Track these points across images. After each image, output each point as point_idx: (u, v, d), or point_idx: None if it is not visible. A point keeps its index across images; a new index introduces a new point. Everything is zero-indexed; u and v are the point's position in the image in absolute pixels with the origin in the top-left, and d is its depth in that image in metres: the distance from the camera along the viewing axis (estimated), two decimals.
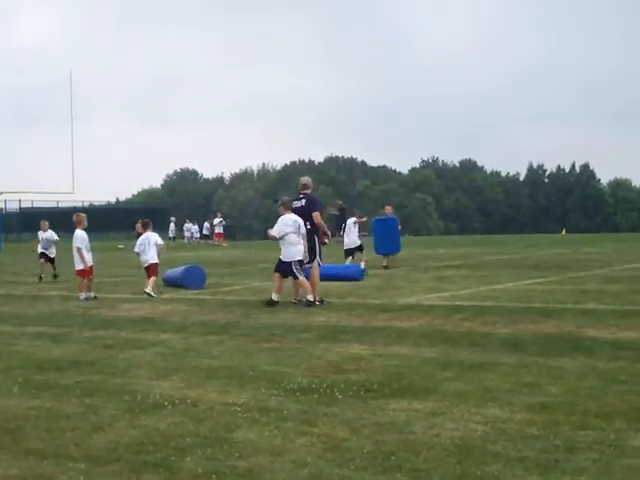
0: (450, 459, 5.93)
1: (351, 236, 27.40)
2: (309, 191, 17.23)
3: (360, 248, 27.37)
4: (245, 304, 16.79)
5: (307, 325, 13.40)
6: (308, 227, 16.78)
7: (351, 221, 27.68)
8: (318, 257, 16.92)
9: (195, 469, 5.88)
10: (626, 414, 7.01)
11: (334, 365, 9.73)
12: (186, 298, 18.53)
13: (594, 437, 6.37)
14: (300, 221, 16.59)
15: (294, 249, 16.59)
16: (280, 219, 16.85)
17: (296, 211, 16.92)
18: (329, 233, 17.99)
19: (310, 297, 16.22)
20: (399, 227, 28.92)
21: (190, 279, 21.16)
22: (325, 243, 17.65)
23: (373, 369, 9.41)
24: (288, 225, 16.66)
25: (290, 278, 16.73)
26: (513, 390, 8.09)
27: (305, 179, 17.57)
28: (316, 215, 16.87)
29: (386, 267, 26.91)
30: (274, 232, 16.86)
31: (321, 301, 16.31)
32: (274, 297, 16.53)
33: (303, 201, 17.04)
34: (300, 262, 16.60)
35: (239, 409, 7.58)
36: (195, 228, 68.77)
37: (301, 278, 16.54)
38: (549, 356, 9.92)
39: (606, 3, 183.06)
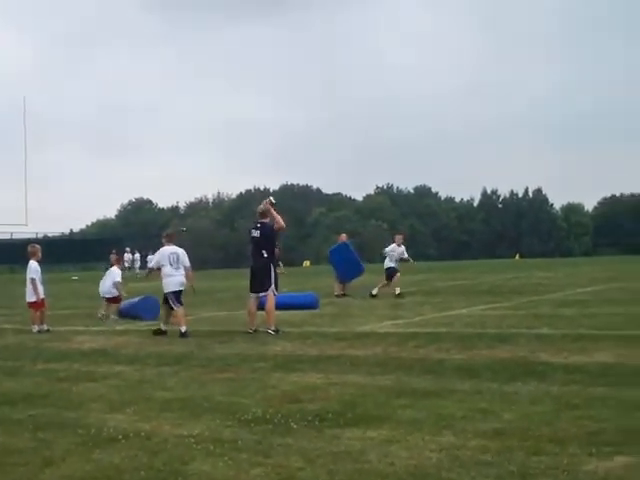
0: None
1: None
2: (267, 220, 17.17)
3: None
4: (199, 335, 16.71)
5: (262, 355, 13.37)
6: (265, 255, 16.78)
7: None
8: (273, 286, 16.89)
9: None
10: (579, 439, 7.05)
11: (289, 395, 9.70)
12: (140, 330, 18.41)
13: (548, 462, 6.40)
14: (180, 252, 17.28)
15: (169, 280, 17.10)
16: (159, 251, 17.46)
17: (253, 240, 16.92)
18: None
19: (183, 328, 16.56)
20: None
21: (145, 310, 21.04)
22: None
23: (328, 398, 9.40)
24: (164, 257, 17.20)
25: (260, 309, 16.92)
26: (467, 417, 8.11)
27: (261, 207, 17.53)
28: (278, 220, 17.00)
29: (345, 295, 27.03)
30: (152, 264, 17.82)
31: (277, 330, 16.28)
32: (162, 327, 17.13)
33: (260, 230, 16.98)
34: (175, 293, 17.05)
35: (193, 441, 7.54)
36: (136, 257, 68.72)
37: (176, 309, 16.95)
38: (503, 382, 9.97)
39: (553, 23, 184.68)
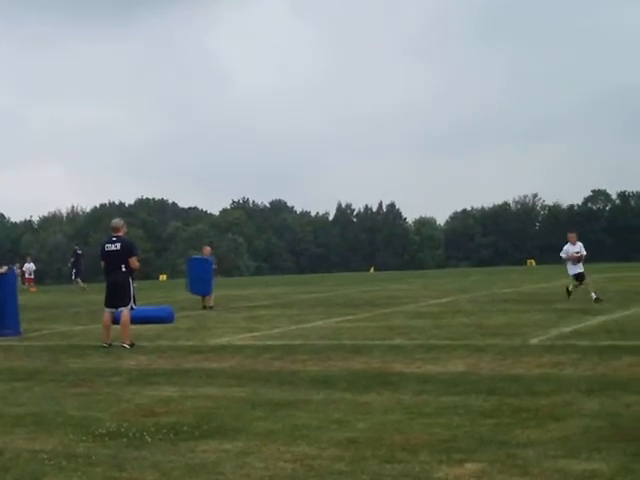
0: None
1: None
2: (121, 234, 16.98)
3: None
4: (53, 349, 16.43)
5: (117, 369, 13.23)
6: (123, 270, 16.61)
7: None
8: (132, 301, 16.72)
9: None
10: (431, 446, 7.20)
11: (144, 408, 9.64)
12: None
13: (400, 470, 6.52)
14: None
15: None
16: None
17: (110, 254, 16.74)
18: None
19: None
20: (214, 267, 28.79)
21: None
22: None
23: (183, 411, 9.37)
24: None
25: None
26: (322, 427, 8.20)
27: (116, 221, 17.33)
28: (133, 261, 16.66)
29: (205, 307, 26.87)
30: None
31: (132, 344, 16.12)
32: None
33: (118, 245, 16.79)
34: None
35: (46, 456, 7.41)
36: None
37: None
38: (357, 392, 10.10)
39: (424, 31, 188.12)
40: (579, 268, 24.25)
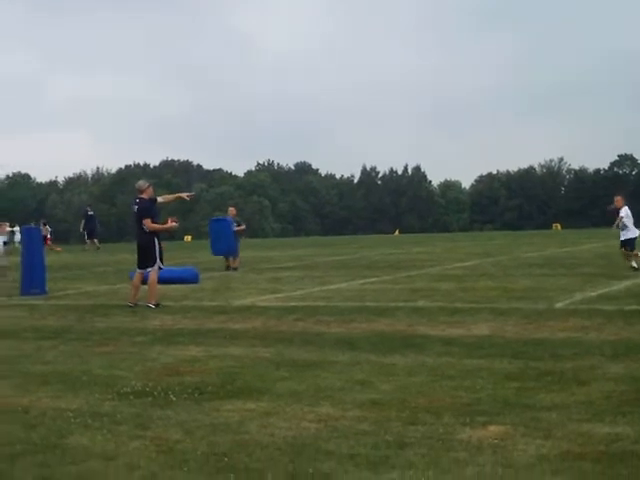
0: (283, 458, 5.99)
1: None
2: (145, 195, 16.97)
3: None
4: (78, 309, 16.54)
5: (142, 328, 13.30)
6: (146, 231, 16.65)
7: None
8: (158, 261, 16.72)
9: (25, 476, 5.78)
10: (454, 409, 7.21)
11: (169, 368, 9.69)
12: (18, 304, 18.12)
13: (423, 432, 6.53)
14: None
15: None
16: None
17: (134, 216, 16.82)
18: (172, 226, 17.73)
19: None
20: (237, 229, 28.55)
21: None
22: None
23: (208, 371, 9.42)
24: None
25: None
26: (345, 388, 8.22)
27: (140, 183, 17.31)
28: (146, 222, 16.61)
29: (233, 268, 26.84)
30: None
31: (157, 305, 16.18)
32: None
33: (136, 207, 16.86)
34: None
35: (72, 414, 7.48)
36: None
37: None
38: (381, 354, 10.12)
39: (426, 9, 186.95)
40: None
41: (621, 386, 7.87)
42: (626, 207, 22.42)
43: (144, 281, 16.80)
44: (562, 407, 7.13)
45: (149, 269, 16.68)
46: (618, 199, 22.94)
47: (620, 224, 22.31)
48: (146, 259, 16.75)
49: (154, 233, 16.73)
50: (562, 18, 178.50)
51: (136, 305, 16.41)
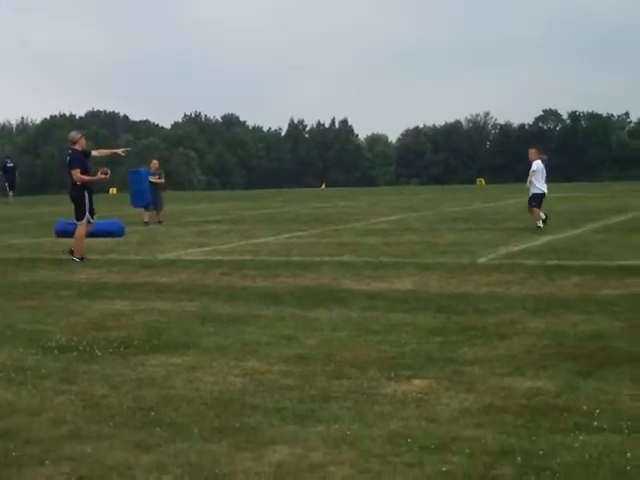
0: (209, 412, 6.02)
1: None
2: (78, 147, 16.74)
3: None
4: (2, 262, 16.35)
5: (67, 282, 13.20)
6: (76, 183, 16.44)
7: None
8: (87, 215, 16.50)
9: None
10: (379, 363, 7.30)
11: (94, 322, 9.65)
12: None
13: (348, 386, 6.61)
14: None
15: None
16: None
17: (66, 168, 16.63)
18: (101, 178, 17.41)
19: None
20: (155, 181, 28.09)
21: None
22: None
23: (134, 325, 9.40)
24: None
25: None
26: (271, 342, 8.27)
27: (71, 134, 17.14)
28: (75, 172, 16.37)
29: (158, 222, 26.66)
30: None
31: (82, 258, 16.04)
32: None
33: (68, 158, 16.68)
34: None
35: None
36: None
37: None
38: (306, 308, 10.19)
39: None
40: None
41: (542, 340, 8.02)
42: (538, 161, 21.52)
43: (71, 234, 16.63)
44: (485, 361, 7.25)
45: (78, 222, 16.49)
46: (532, 152, 22.00)
47: (527, 180, 21.48)
48: (75, 212, 16.56)
49: (84, 186, 16.51)
50: None
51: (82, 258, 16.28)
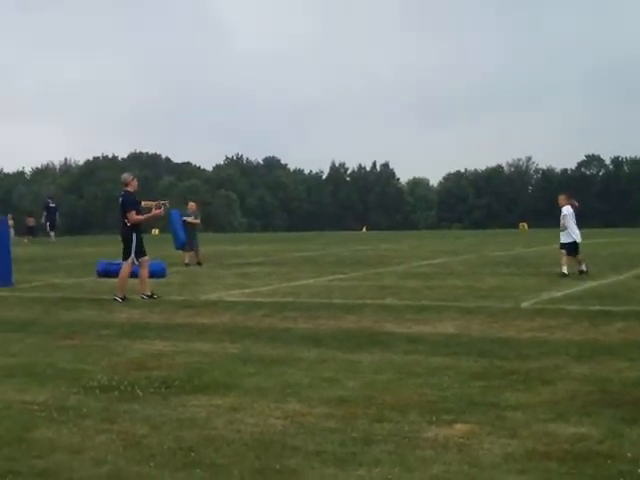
0: (250, 454, 6.00)
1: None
2: (130, 188, 16.93)
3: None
4: (45, 301, 16.46)
5: (108, 322, 13.26)
6: (126, 224, 16.68)
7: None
8: (133, 256, 16.63)
9: None
10: (420, 407, 7.25)
11: (135, 362, 9.67)
12: None
13: (390, 429, 6.56)
14: None
15: None
16: None
17: (118, 209, 16.93)
18: (157, 213, 17.47)
19: None
20: (191, 221, 28.05)
21: None
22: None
23: (174, 365, 9.41)
24: None
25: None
26: (313, 384, 8.24)
27: (124, 176, 17.36)
28: (130, 214, 16.56)
29: (197, 263, 26.68)
30: None
31: (123, 298, 16.14)
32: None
33: (120, 199, 16.89)
34: None
35: (37, 408, 7.46)
36: None
37: None
38: (348, 350, 10.15)
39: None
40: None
41: (586, 386, 7.93)
42: (568, 206, 20.90)
43: (132, 274, 16.81)
44: (527, 406, 7.18)
45: (123, 262, 16.66)
46: (561, 197, 21.41)
47: (561, 225, 20.79)
48: (123, 251, 16.78)
49: (133, 227, 16.67)
50: (538, 24, 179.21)
51: (151, 296, 16.56)
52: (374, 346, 10.40)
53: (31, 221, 51.46)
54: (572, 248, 20.54)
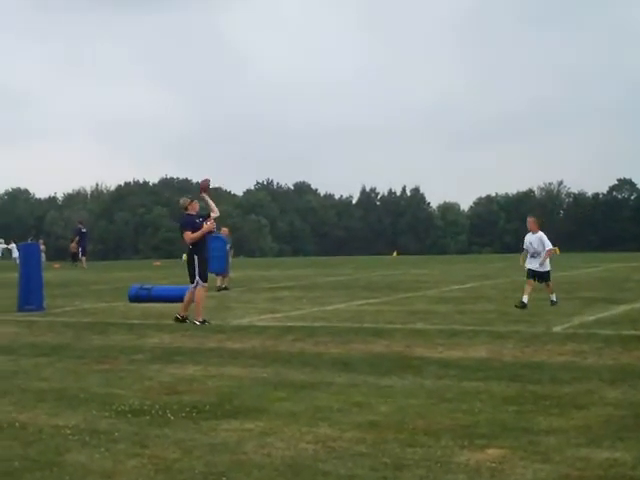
0: (281, 478, 5.99)
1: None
2: (191, 211, 16.98)
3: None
4: (76, 326, 16.52)
5: (140, 346, 13.29)
6: (190, 247, 16.85)
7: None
8: (198, 277, 16.64)
9: None
10: (452, 431, 7.21)
11: (166, 386, 9.69)
12: (15, 320, 18.10)
13: (422, 454, 6.53)
14: None
15: None
16: None
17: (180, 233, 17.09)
18: (209, 227, 17.36)
19: None
20: (228, 248, 28.36)
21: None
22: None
23: (206, 390, 9.41)
24: None
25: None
26: (343, 409, 8.22)
27: (180, 201, 17.46)
28: (185, 235, 16.66)
29: (224, 288, 26.75)
30: None
31: (203, 321, 16.26)
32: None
33: (180, 224, 17.06)
34: None
35: (69, 432, 7.47)
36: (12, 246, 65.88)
37: None
38: (379, 375, 10.12)
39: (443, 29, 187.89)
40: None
41: (619, 411, 7.87)
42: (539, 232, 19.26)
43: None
44: (560, 431, 7.13)
45: (190, 286, 16.72)
46: (533, 220, 19.74)
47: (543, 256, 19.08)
48: (189, 274, 16.89)
49: (194, 249, 16.76)
50: (569, 46, 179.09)
51: (184, 319, 16.55)
52: (405, 371, 10.37)
53: (74, 247, 51.44)
54: (538, 276, 19.15)
